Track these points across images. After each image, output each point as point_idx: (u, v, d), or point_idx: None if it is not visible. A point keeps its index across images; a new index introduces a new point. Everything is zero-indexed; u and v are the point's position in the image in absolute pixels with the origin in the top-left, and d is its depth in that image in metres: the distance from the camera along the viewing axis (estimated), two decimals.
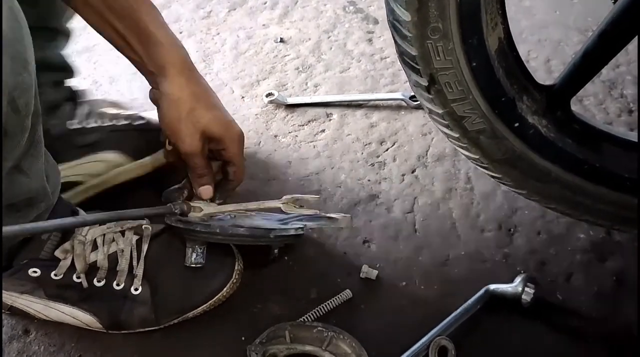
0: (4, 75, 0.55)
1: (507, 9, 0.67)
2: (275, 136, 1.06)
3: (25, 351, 0.73)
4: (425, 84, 0.69)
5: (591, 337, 0.76)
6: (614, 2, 0.66)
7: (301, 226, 0.77)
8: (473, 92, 0.69)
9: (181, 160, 0.77)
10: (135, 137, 0.90)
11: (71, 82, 0.91)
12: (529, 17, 1.37)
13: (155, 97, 0.74)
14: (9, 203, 0.65)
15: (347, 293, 0.79)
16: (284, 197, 0.76)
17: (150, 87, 0.75)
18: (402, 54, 0.69)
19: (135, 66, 0.73)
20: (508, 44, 0.69)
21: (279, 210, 0.77)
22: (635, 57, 1.23)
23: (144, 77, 0.74)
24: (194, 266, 0.74)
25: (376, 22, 1.36)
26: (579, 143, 0.74)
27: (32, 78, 0.61)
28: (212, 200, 0.78)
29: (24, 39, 0.58)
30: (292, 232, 0.77)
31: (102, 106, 0.90)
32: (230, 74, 1.20)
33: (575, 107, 1.11)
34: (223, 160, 0.79)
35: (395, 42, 0.68)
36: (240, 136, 0.78)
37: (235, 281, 0.77)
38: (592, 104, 1.14)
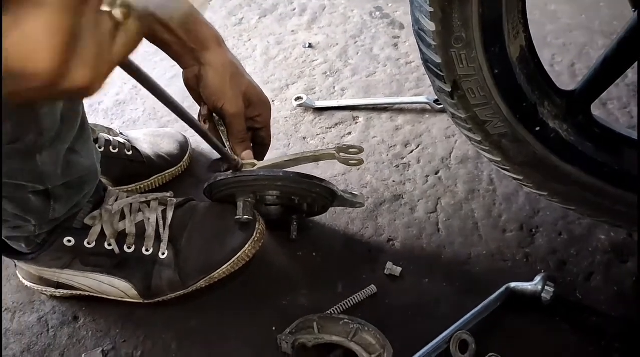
0: None
1: (532, 13, 0.70)
2: (304, 138, 1.11)
3: (75, 336, 0.79)
4: (449, 90, 0.72)
5: (609, 335, 0.78)
6: (634, 10, 0.69)
7: (356, 193, 0.86)
8: (495, 98, 0.72)
9: (217, 133, 0.81)
10: (125, 165, 0.95)
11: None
12: (554, 21, 1.38)
13: (194, 74, 0.78)
14: (64, 182, 0.71)
15: (372, 288, 0.83)
16: (336, 145, 0.84)
17: (185, 69, 0.79)
18: (426, 62, 0.72)
19: (172, 50, 0.77)
20: (530, 51, 0.72)
21: (332, 156, 0.83)
22: None
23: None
24: (245, 220, 0.79)
25: (402, 27, 1.39)
26: (599, 147, 0.77)
27: None
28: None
29: None
30: (349, 197, 0.84)
31: (97, 132, 0.94)
32: (261, 78, 1.25)
33: (599, 110, 1.14)
34: (255, 127, 0.86)
35: (420, 50, 0.72)
36: (270, 103, 0.86)
37: (257, 239, 0.81)
38: (616, 107, 1.15)
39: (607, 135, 0.77)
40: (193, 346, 0.78)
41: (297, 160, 0.84)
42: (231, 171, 0.79)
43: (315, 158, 0.86)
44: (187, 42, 0.76)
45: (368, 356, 0.71)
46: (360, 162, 0.84)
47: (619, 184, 0.77)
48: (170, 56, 0.79)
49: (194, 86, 0.80)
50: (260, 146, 0.88)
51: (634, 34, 0.67)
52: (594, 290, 0.83)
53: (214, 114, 0.81)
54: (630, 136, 0.78)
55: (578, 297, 0.83)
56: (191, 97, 0.82)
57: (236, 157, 0.78)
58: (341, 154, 0.84)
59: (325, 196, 0.82)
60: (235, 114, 0.79)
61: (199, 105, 0.82)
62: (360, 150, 0.84)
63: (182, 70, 0.80)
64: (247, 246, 0.80)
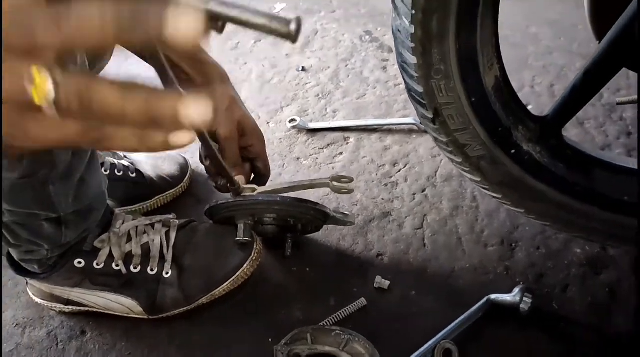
0: None
1: (513, 36, 0.76)
2: (298, 159, 1.16)
3: (82, 349, 0.83)
4: (431, 116, 0.79)
5: (584, 344, 0.83)
6: (599, 42, 0.76)
7: (347, 213, 0.92)
8: (473, 123, 0.78)
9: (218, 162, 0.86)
10: (129, 187, 1.01)
11: None
12: (535, 44, 1.46)
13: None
14: (75, 210, 0.77)
15: (362, 301, 0.88)
16: (330, 176, 0.91)
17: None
18: (410, 91, 0.79)
19: (181, 85, 0.83)
20: (504, 80, 0.79)
21: (326, 185, 0.90)
22: (635, 82, 1.30)
23: None
24: (244, 241, 0.85)
25: (390, 50, 1.46)
26: (571, 168, 0.83)
27: None
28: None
29: (85, 62, 0.70)
30: (340, 217, 0.90)
31: (103, 156, 1.00)
32: (257, 101, 1.31)
33: (576, 129, 1.20)
34: (251, 157, 0.91)
35: (404, 80, 0.78)
36: (263, 137, 0.92)
37: (255, 258, 0.87)
38: (592, 126, 1.22)
39: (578, 156, 0.83)
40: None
41: (293, 188, 0.91)
42: (231, 194, 0.85)
43: (311, 186, 0.92)
44: (195, 79, 0.83)
45: None
46: (351, 191, 0.91)
47: (590, 202, 0.83)
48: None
49: None
50: (259, 176, 0.94)
51: (597, 66, 0.74)
52: (569, 301, 0.89)
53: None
54: (600, 158, 0.84)
55: (555, 307, 0.88)
56: None
57: (236, 180, 0.84)
58: (334, 183, 0.90)
59: (319, 217, 0.89)
60: (227, 138, 0.85)
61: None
62: (351, 180, 0.91)
63: None
64: (246, 265, 0.86)
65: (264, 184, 0.94)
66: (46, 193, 0.72)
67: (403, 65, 0.76)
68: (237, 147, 0.88)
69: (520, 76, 1.34)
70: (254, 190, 0.86)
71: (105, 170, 0.97)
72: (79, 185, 0.76)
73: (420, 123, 1.18)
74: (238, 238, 0.84)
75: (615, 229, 0.84)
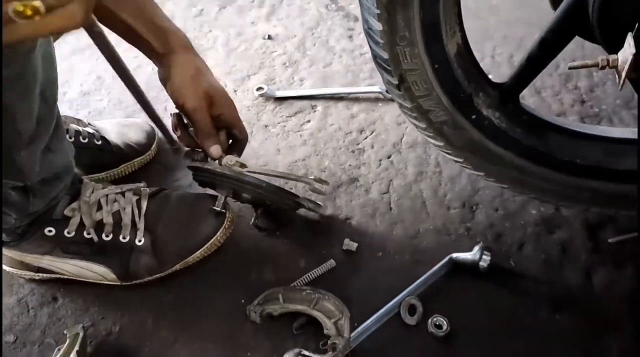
0: (38, 70, 0.66)
1: (476, 7, 0.78)
2: (266, 126, 1.17)
3: (54, 315, 0.84)
4: (396, 82, 0.81)
5: (538, 296, 0.89)
6: (554, 11, 0.79)
7: (319, 204, 0.94)
8: (436, 89, 0.81)
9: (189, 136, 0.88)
10: (95, 155, 1.00)
11: None
12: (495, 15, 1.49)
13: (165, 75, 0.84)
14: (42, 178, 0.76)
15: (331, 263, 0.92)
16: (314, 177, 0.93)
17: (158, 70, 0.85)
18: (375, 57, 0.81)
19: (147, 54, 0.84)
20: (465, 48, 0.81)
21: (308, 183, 0.93)
22: (590, 53, 1.36)
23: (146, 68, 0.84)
24: (220, 211, 0.87)
25: (356, 19, 1.47)
26: (528, 132, 0.87)
27: (56, 72, 0.73)
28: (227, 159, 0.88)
29: (50, 39, 0.70)
30: (309, 204, 0.93)
31: (68, 123, 0.99)
32: (223, 69, 1.31)
33: (533, 97, 1.25)
34: (225, 125, 0.89)
35: (370, 47, 0.80)
36: (232, 102, 0.90)
37: (227, 226, 0.89)
38: (548, 95, 1.27)
39: (534, 121, 0.87)
40: (168, 320, 0.84)
41: (280, 177, 0.94)
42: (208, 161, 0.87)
43: (296, 180, 0.95)
44: (156, 47, 0.81)
45: (328, 320, 0.80)
46: (323, 193, 0.99)
47: (545, 165, 0.88)
48: (144, 54, 0.84)
49: (164, 86, 0.85)
50: (236, 142, 0.92)
51: (552, 34, 0.78)
52: (525, 258, 0.95)
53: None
54: (554, 122, 0.89)
55: (511, 264, 0.94)
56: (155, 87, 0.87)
57: (212, 152, 0.85)
58: (315, 184, 0.92)
59: (294, 206, 0.92)
60: (195, 110, 0.83)
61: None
62: (327, 183, 0.97)
63: (146, 61, 0.85)
64: (219, 232, 0.88)
65: (242, 149, 0.93)
66: (11, 161, 0.71)
67: (369, 32, 0.78)
68: (207, 117, 0.85)
69: (481, 46, 1.38)
70: (243, 165, 0.87)
71: (70, 138, 0.96)
72: (44, 153, 0.76)
73: (386, 90, 1.22)
74: (215, 208, 0.86)
75: (568, 190, 0.89)
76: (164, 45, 0.82)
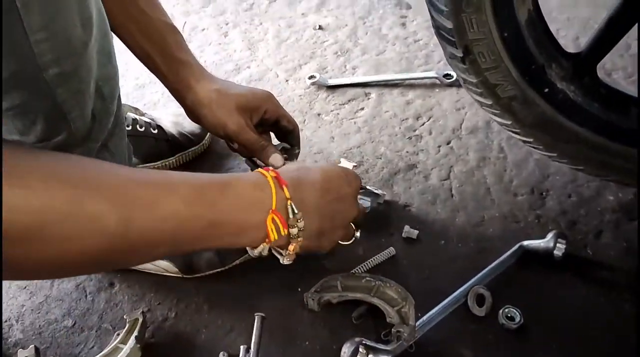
0: (93, 66, 0.65)
1: None
2: (319, 115, 1.14)
3: (112, 300, 0.83)
4: (461, 55, 0.76)
5: (619, 287, 0.81)
6: None
7: (366, 201, 0.90)
8: (505, 61, 0.75)
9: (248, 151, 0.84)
10: (151, 144, 0.99)
11: None
12: None
13: (193, 115, 0.83)
14: None
15: (391, 250, 0.87)
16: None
17: (185, 110, 0.84)
18: (438, 28, 0.76)
19: (165, 85, 0.83)
20: (537, 14, 0.75)
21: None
22: None
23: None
24: None
25: (409, 7, 1.42)
26: (606, 106, 0.80)
27: (116, 68, 0.72)
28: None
29: (107, 34, 0.69)
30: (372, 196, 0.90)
31: (125, 111, 0.98)
32: (274, 60, 1.29)
33: (605, 80, 1.16)
34: (272, 122, 0.85)
35: (432, 16, 0.75)
36: (269, 94, 0.85)
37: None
38: (621, 76, 1.18)
39: (613, 95, 0.80)
40: (224, 308, 0.82)
41: None
42: None
43: None
44: (172, 81, 0.80)
45: (391, 309, 0.75)
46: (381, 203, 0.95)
47: (625, 142, 0.80)
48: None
49: (196, 122, 0.84)
50: (289, 133, 0.88)
51: None
52: (603, 247, 0.87)
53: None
54: (634, 96, 0.81)
55: (588, 253, 0.86)
56: None
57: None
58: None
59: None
60: (237, 133, 0.80)
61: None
62: (384, 194, 0.95)
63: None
64: None
65: (297, 138, 0.88)
66: None
67: (431, 0, 0.73)
68: (252, 132, 0.81)
69: None
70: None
71: (128, 126, 0.96)
72: (100, 152, 0.73)
73: (443, 75, 1.17)
74: None
75: None
76: (178, 79, 0.80)
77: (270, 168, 0.62)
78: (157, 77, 0.82)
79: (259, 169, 0.62)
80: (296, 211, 0.60)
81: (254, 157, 0.83)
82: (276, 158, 0.80)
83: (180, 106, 0.85)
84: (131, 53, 0.81)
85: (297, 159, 0.86)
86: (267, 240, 0.59)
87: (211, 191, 0.54)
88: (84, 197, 0.44)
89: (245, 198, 0.57)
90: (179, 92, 0.81)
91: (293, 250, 0.63)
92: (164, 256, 0.52)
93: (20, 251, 0.41)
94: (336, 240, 0.70)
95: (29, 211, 0.40)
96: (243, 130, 0.80)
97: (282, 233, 0.59)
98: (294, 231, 0.60)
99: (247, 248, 0.62)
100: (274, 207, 0.58)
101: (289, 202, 0.60)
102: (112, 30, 0.77)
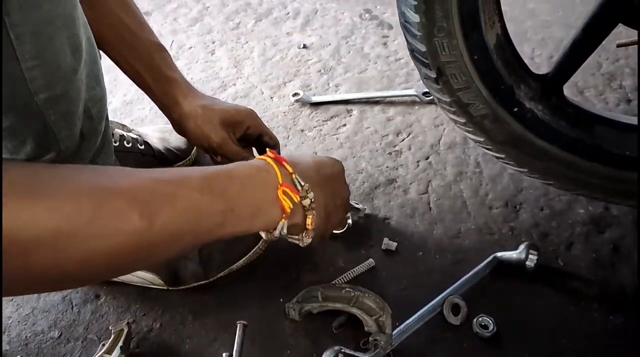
0: (82, 89, 0.68)
1: (512, 11, 0.78)
2: (302, 131, 1.18)
3: (97, 311, 0.85)
4: (434, 76, 0.80)
5: (589, 297, 0.85)
6: None
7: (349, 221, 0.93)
8: (476, 82, 0.80)
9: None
10: (137, 159, 1.02)
11: None
12: (533, 18, 1.47)
13: (179, 128, 0.88)
14: None
15: (370, 262, 0.90)
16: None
17: (172, 125, 0.89)
18: (413, 51, 0.80)
19: (153, 101, 0.88)
20: (505, 39, 0.80)
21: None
22: (632, 51, 1.32)
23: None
24: None
25: (390, 27, 1.47)
26: (573, 124, 0.84)
27: (104, 90, 0.75)
28: None
29: (96, 60, 0.72)
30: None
31: (113, 127, 1.00)
32: (259, 77, 1.33)
33: (576, 98, 1.22)
34: (254, 137, 0.92)
35: (407, 40, 0.80)
36: (252, 111, 0.92)
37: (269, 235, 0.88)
38: (592, 94, 1.23)
39: (580, 114, 0.85)
40: (208, 319, 0.84)
41: None
42: None
43: None
44: (160, 98, 0.86)
45: (369, 318, 0.78)
46: (361, 216, 0.98)
47: (592, 158, 0.84)
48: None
49: (185, 137, 0.90)
50: (270, 149, 0.93)
51: (596, 20, 0.76)
52: (574, 258, 0.91)
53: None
54: (601, 114, 0.86)
55: (560, 264, 0.90)
56: None
57: None
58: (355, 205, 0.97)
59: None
60: (220, 144, 0.87)
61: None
62: (364, 208, 0.98)
63: None
64: (261, 241, 0.88)
65: (278, 152, 0.93)
66: None
67: (406, 25, 0.78)
68: (234, 145, 0.88)
69: (519, 48, 1.33)
70: None
71: (115, 142, 0.98)
72: None
73: (422, 93, 1.21)
74: None
75: (617, 184, 0.86)
76: (166, 96, 0.85)
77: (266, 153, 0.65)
78: (146, 93, 0.87)
79: (257, 156, 0.66)
80: (302, 183, 0.63)
81: None
82: None
83: (167, 121, 0.89)
84: (120, 71, 0.84)
85: None
86: (283, 215, 0.61)
87: (219, 179, 0.57)
88: (104, 200, 0.45)
89: (252, 180, 0.60)
90: (167, 107, 0.87)
91: (311, 223, 0.64)
92: (187, 248, 0.53)
93: (47, 258, 0.42)
94: (340, 220, 0.73)
95: (52, 220, 0.41)
96: (226, 143, 0.87)
97: (296, 201, 0.62)
98: (307, 201, 0.63)
99: (264, 234, 0.64)
100: (281, 181, 0.61)
101: (293, 175, 0.63)
102: (103, 51, 0.81)
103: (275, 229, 0.62)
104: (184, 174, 0.56)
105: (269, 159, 0.63)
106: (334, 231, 0.75)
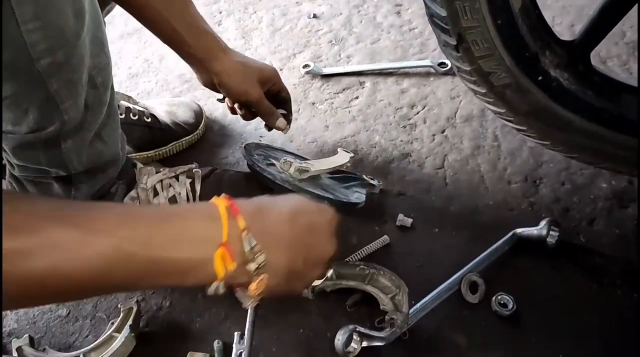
0: (86, 56, 0.64)
1: None
2: (313, 104, 1.14)
3: None
4: (454, 43, 0.76)
5: (612, 273, 0.82)
6: None
7: (362, 194, 0.90)
8: (498, 49, 0.75)
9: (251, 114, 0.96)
10: (144, 133, 1.00)
11: None
12: None
13: (210, 80, 0.89)
14: (88, 168, 0.75)
15: (385, 238, 0.87)
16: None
17: (198, 74, 0.91)
18: (432, 16, 0.76)
19: (186, 58, 0.88)
20: (531, 2, 0.75)
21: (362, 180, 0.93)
22: None
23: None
24: None
25: None
26: (599, 94, 0.80)
27: (108, 58, 0.72)
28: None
29: (100, 24, 0.68)
30: (351, 199, 0.89)
31: (118, 99, 0.97)
32: (268, 48, 1.28)
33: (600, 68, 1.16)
34: (274, 93, 0.96)
35: (426, 4, 0.75)
36: (276, 70, 0.97)
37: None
38: (615, 64, 1.18)
39: (606, 82, 0.80)
40: (219, 297, 0.81)
41: (335, 171, 0.94)
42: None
43: (351, 174, 0.95)
44: (196, 53, 0.85)
45: (385, 296, 0.76)
46: (375, 192, 0.94)
47: (618, 129, 0.80)
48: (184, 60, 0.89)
49: (212, 88, 0.92)
50: (284, 103, 0.98)
51: None
52: (596, 234, 0.87)
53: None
54: (627, 83, 0.81)
55: (581, 240, 0.87)
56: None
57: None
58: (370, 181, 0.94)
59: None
60: (258, 100, 0.91)
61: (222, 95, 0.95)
62: (380, 183, 0.95)
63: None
64: None
65: (290, 107, 0.99)
66: (57, 149, 0.70)
67: None
68: (266, 100, 0.92)
69: None
70: (303, 171, 0.88)
71: (121, 114, 0.95)
72: (93, 142, 0.74)
73: (439, 64, 1.16)
74: None
75: None
76: (203, 49, 0.86)
77: (225, 196, 0.53)
78: (177, 50, 0.87)
79: (214, 198, 0.53)
80: (253, 243, 0.50)
81: (264, 122, 0.96)
82: (282, 122, 0.95)
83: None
84: (124, 43, 0.81)
85: (290, 124, 0.97)
86: (218, 278, 0.50)
87: (147, 226, 0.47)
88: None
89: (190, 232, 0.49)
90: (205, 61, 0.87)
91: (255, 290, 0.53)
92: (96, 295, 0.48)
93: None
94: (311, 281, 0.62)
95: None
96: (261, 99, 0.92)
97: (230, 269, 0.49)
98: (252, 266, 0.50)
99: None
100: (224, 240, 0.49)
101: (243, 233, 0.50)
102: (132, 13, 0.81)
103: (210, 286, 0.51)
104: (107, 217, 0.46)
105: (221, 207, 0.51)
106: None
